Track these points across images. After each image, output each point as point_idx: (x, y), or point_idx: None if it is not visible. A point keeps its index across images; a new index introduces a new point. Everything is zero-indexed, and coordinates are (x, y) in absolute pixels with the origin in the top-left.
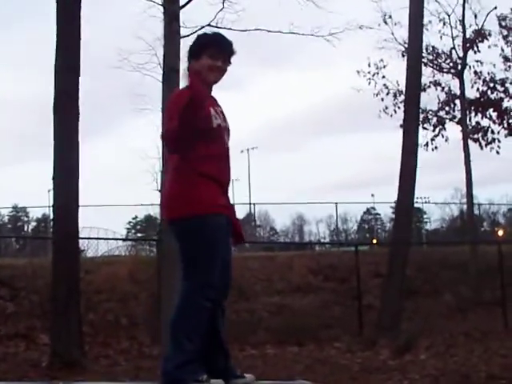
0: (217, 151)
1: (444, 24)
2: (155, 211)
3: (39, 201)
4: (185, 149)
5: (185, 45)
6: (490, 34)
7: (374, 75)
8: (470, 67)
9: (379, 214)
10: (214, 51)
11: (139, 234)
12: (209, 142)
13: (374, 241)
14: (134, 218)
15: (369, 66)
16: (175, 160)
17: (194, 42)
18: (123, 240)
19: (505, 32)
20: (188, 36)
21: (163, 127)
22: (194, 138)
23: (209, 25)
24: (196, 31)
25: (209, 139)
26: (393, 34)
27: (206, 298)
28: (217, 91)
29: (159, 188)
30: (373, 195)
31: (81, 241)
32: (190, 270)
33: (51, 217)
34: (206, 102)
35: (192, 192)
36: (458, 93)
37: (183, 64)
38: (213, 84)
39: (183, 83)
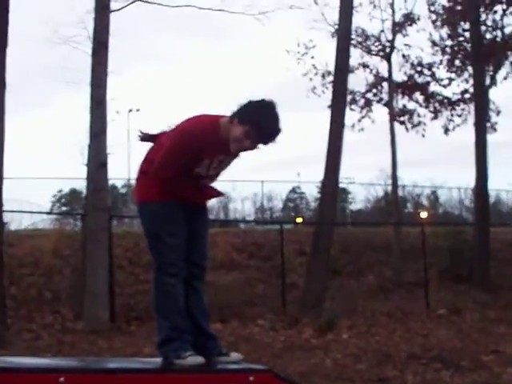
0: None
1: (374, 6)
2: (80, 185)
3: None
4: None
5: (115, 19)
6: (418, 19)
7: (303, 55)
8: (398, 50)
9: (304, 193)
10: (253, 133)
11: (64, 208)
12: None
13: (299, 220)
14: (58, 192)
15: (298, 45)
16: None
17: (253, 107)
18: (48, 213)
19: (433, 17)
20: (118, 10)
21: (159, 161)
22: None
23: None
24: (126, 5)
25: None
26: (323, 14)
27: (167, 275)
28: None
29: (85, 162)
30: (299, 174)
31: (4, 213)
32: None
33: None
34: (205, 154)
35: (147, 184)
36: (386, 75)
37: (112, 38)
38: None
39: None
